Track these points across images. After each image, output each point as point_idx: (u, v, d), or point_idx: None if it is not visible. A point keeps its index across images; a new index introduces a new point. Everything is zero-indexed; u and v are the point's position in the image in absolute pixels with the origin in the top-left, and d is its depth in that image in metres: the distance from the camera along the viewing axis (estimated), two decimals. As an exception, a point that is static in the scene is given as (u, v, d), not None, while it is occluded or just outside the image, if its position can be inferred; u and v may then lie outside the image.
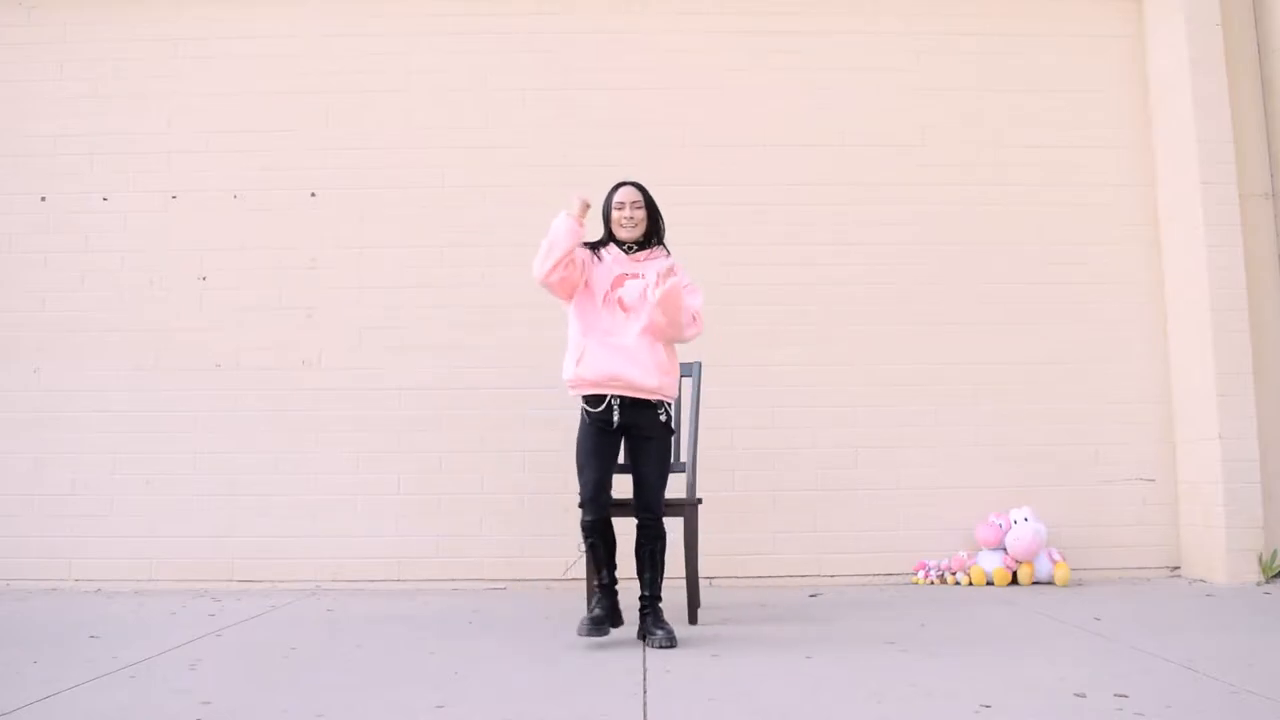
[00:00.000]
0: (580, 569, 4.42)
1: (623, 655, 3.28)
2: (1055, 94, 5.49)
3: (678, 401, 4.20)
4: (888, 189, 5.40)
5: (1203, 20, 5.18)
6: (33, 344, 5.27)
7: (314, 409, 5.23)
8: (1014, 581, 4.95)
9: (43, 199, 5.37)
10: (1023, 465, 5.23)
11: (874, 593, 4.79)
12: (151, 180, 5.39)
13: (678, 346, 3.77)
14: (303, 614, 4.25)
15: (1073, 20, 5.55)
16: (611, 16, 5.50)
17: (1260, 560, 4.86)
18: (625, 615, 3.65)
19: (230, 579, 5.09)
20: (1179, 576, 5.15)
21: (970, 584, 4.95)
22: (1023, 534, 4.90)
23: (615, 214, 3.67)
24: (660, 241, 3.74)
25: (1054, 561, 4.97)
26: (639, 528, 3.59)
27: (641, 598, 3.58)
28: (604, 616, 3.48)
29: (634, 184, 3.69)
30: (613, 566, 3.60)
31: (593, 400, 3.58)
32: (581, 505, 3.58)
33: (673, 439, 3.75)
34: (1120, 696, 2.61)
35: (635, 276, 3.63)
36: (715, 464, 5.01)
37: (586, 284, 3.64)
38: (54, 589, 5.04)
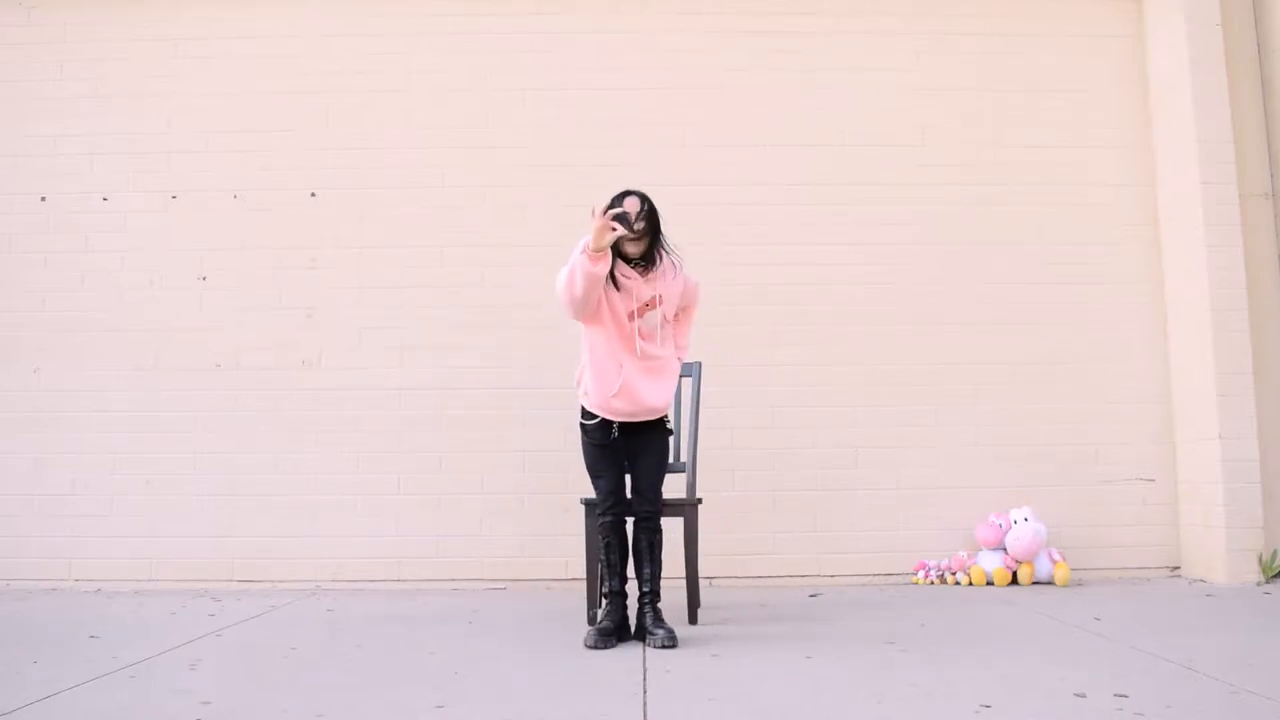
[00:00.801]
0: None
1: (623, 655, 3.28)
2: (1055, 94, 5.49)
3: (677, 398, 4.21)
4: (888, 189, 5.40)
5: (1203, 20, 5.18)
6: (33, 344, 5.27)
7: (314, 409, 5.23)
8: (1014, 581, 4.95)
9: (43, 199, 5.37)
10: (1023, 465, 5.23)
11: (874, 593, 4.79)
12: (151, 180, 5.39)
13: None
14: (303, 614, 4.25)
15: (1073, 20, 5.55)
16: (611, 16, 5.50)
17: (1260, 560, 4.86)
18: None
19: (230, 579, 5.09)
20: (1179, 576, 5.15)
21: (970, 584, 4.95)
22: (1023, 534, 4.90)
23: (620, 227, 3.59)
24: (664, 251, 3.62)
25: (1054, 561, 4.97)
26: (637, 522, 3.60)
27: (641, 595, 3.58)
28: (612, 630, 3.48)
29: (638, 194, 3.50)
30: (625, 575, 3.61)
31: (595, 429, 3.60)
32: (600, 510, 3.60)
33: (671, 438, 3.78)
34: (1120, 696, 2.61)
35: (653, 305, 3.59)
36: (715, 464, 5.01)
37: (609, 308, 3.54)
38: (54, 589, 5.04)
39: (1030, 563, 4.94)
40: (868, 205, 5.38)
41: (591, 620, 3.80)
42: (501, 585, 5.09)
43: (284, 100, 5.44)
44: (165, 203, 5.38)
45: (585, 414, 3.63)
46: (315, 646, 3.47)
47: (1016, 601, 4.39)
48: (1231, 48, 5.24)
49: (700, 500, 4.04)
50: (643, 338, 3.57)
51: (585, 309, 3.49)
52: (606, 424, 3.59)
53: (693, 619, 3.89)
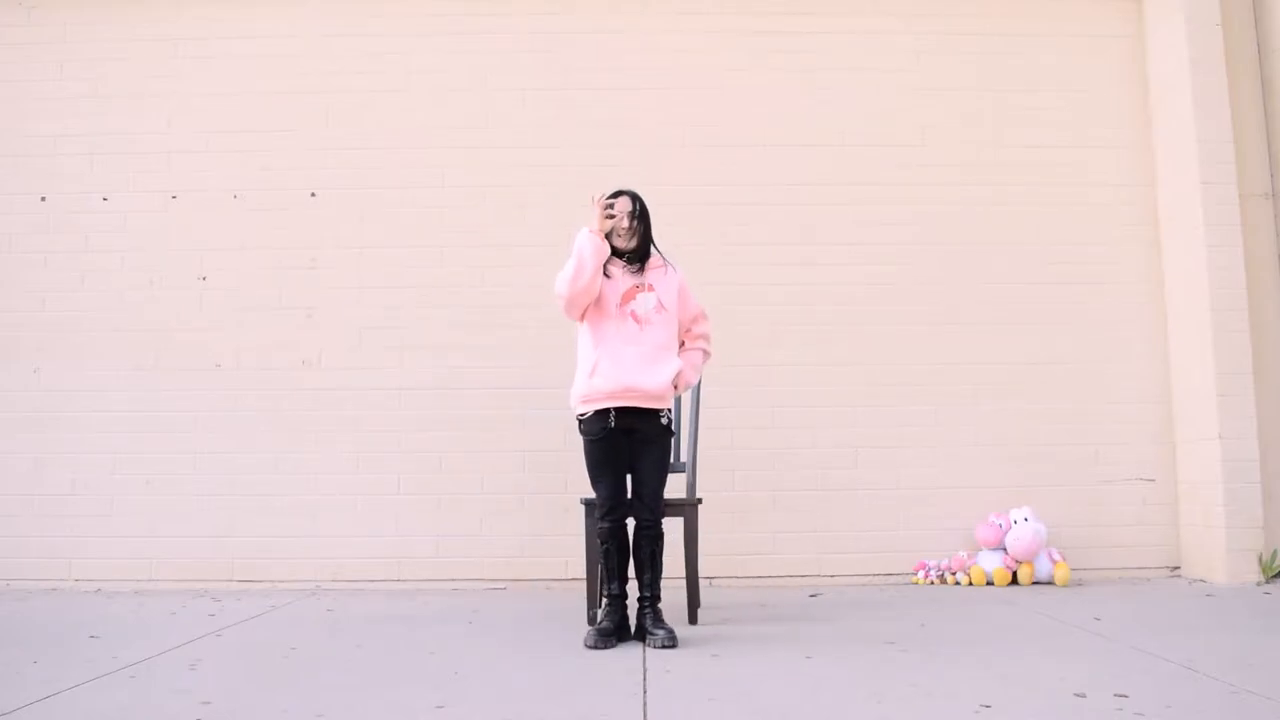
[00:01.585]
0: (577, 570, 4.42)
1: (623, 655, 3.28)
2: (1055, 94, 5.50)
3: (677, 401, 4.21)
4: (888, 189, 5.40)
5: (1203, 20, 5.19)
6: (33, 344, 5.27)
7: (314, 409, 5.23)
8: (1014, 581, 4.95)
9: (43, 199, 5.37)
10: (1023, 465, 5.23)
11: (874, 593, 4.79)
12: (151, 180, 5.39)
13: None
14: (303, 614, 4.25)
15: (1073, 20, 5.55)
16: (611, 16, 5.50)
17: (1260, 560, 4.86)
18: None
19: (230, 579, 5.10)
20: (1179, 576, 5.15)
21: (970, 584, 4.95)
22: (1023, 534, 4.90)
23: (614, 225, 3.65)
24: (654, 248, 3.72)
25: (1054, 561, 4.97)
26: (638, 529, 3.60)
27: (641, 598, 3.59)
28: (612, 630, 3.49)
29: (630, 193, 3.67)
30: (625, 577, 3.61)
31: (590, 420, 3.59)
32: (600, 515, 3.58)
33: (672, 440, 3.76)
34: (1120, 696, 2.61)
35: (646, 289, 3.64)
36: (715, 464, 5.01)
37: (601, 299, 3.63)
38: (54, 589, 5.04)
39: (1030, 563, 4.94)
40: (868, 205, 5.38)
41: (591, 620, 3.81)
42: (501, 585, 5.09)
43: (284, 100, 5.44)
44: (165, 203, 5.38)
45: (583, 420, 3.64)
46: (315, 646, 3.47)
47: (1016, 601, 4.39)
48: (1231, 48, 5.24)
49: (700, 500, 4.04)
50: (636, 320, 3.61)
51: (589, 294, 3.56)
52: (601, 415, 3.57)
53: (693, 619, 3.89)
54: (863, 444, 5.24)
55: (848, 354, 5.29)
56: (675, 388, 3.66)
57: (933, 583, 5.03)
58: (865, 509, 5.19)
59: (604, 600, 3.61)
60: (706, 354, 3.82)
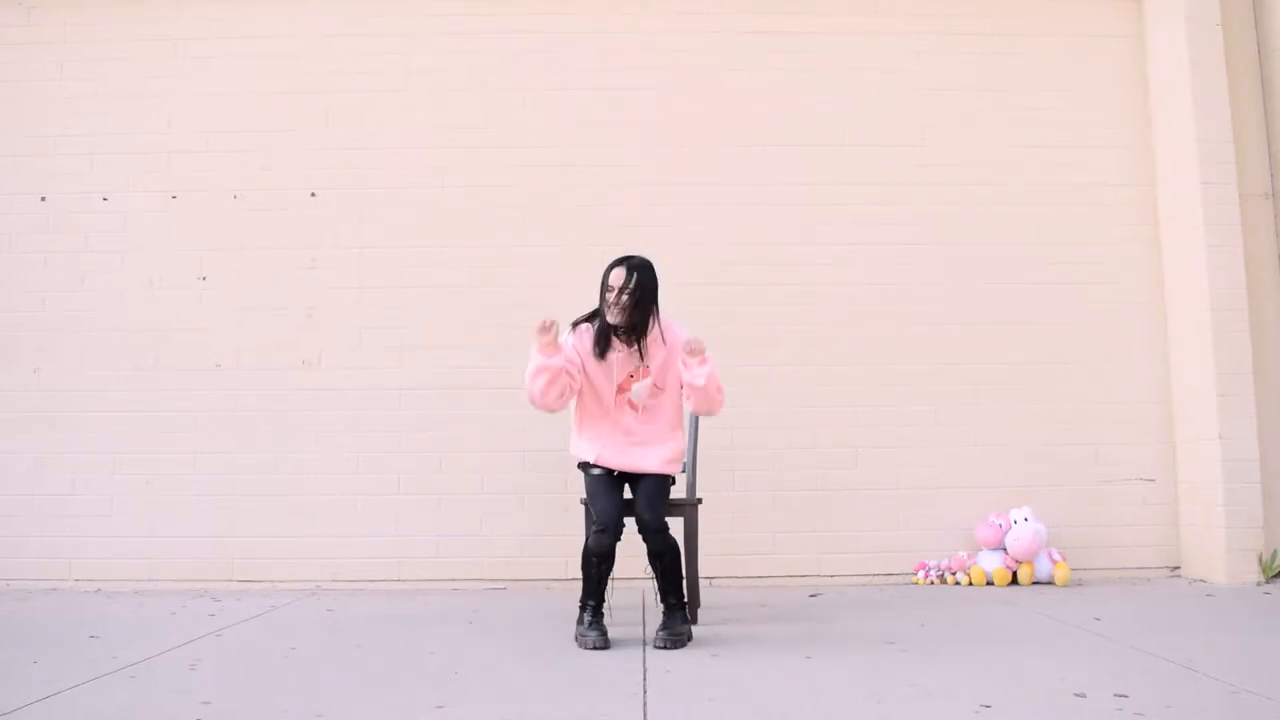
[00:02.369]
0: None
1: (623, 655, 3.28)
2: (1055, 94, 5.49)
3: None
4: (888, 189, 5.40)
5: (1203, 20, 5.18)
6: (33, 344, 5.27)
7: (314, 409, 5.23)
8: (1014, 581, 4.95)
9: (43, 199, 5.37)
10: (1023, 465, 5.23)
11: (874, 593, 4.79)
12: (151, 180, 5.39)
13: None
14: (303, 614, 4.25)
15: (1073, 20, 5.55)
16: (611, 16, 5.50)
17: (1260, 560, 4.86)
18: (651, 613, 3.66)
19: (230, 579, 5.09)
20: (1179, 576, 5.15)
21: (970, 584, 4.95)
22: (1023, 534, 4.90)
23: (606, 295, 3.55)
24: (655, 319, 3.60)
25: (1054, 561, 4.97)
26: (647, 544, 3.54)
27: (662, 597, 3.57)
28: (604, 630, 3.47)
29: (627, 265, 3.52)
30: (604, 596, 3.55)
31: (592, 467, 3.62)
32: (597, 531, 3.49)
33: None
34: (1120, 696, 2.61)
35: (642, 374, 3.60)
36: (715, 464, 5.01)
37: (589, 380, 3.59)
38: (54, 589, 5.04)
39: (1030, 563, 4.94)
40: (868, 205, 5.38)
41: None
42: (501, 585, 5.09)
43: (284, 100, 5.44)
44: (165, 203, 5.38)
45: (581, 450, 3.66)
46: (315, 646, 3.47)
47: (1016, 601, 4.39)
48: (1231, 48, 5.24)
49: (700, 500, 4.05)
50: (632, 408, 3.60)
51: (552, 403, 3.53)
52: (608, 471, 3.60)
53: (693, 619, 3.88)
54: (863, 444, 5.24)
55: (848, 354, 5.29)
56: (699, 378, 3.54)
57: (933, 583, 5.02)
58: (865, 509, 5.18)
59: (584, 610, 3.52)
60: (720, 389, 3.62)
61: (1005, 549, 4.98)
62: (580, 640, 3.45)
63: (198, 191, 5.38)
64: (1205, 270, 5.03)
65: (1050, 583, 4.93)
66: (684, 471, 4.12)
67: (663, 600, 3.58)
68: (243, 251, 5.34)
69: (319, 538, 5.13)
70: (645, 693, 2.74)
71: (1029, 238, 5.39)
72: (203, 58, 5.48)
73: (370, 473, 5.18)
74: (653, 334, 3.60)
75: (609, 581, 3.56)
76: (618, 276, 3.52)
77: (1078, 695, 2.64)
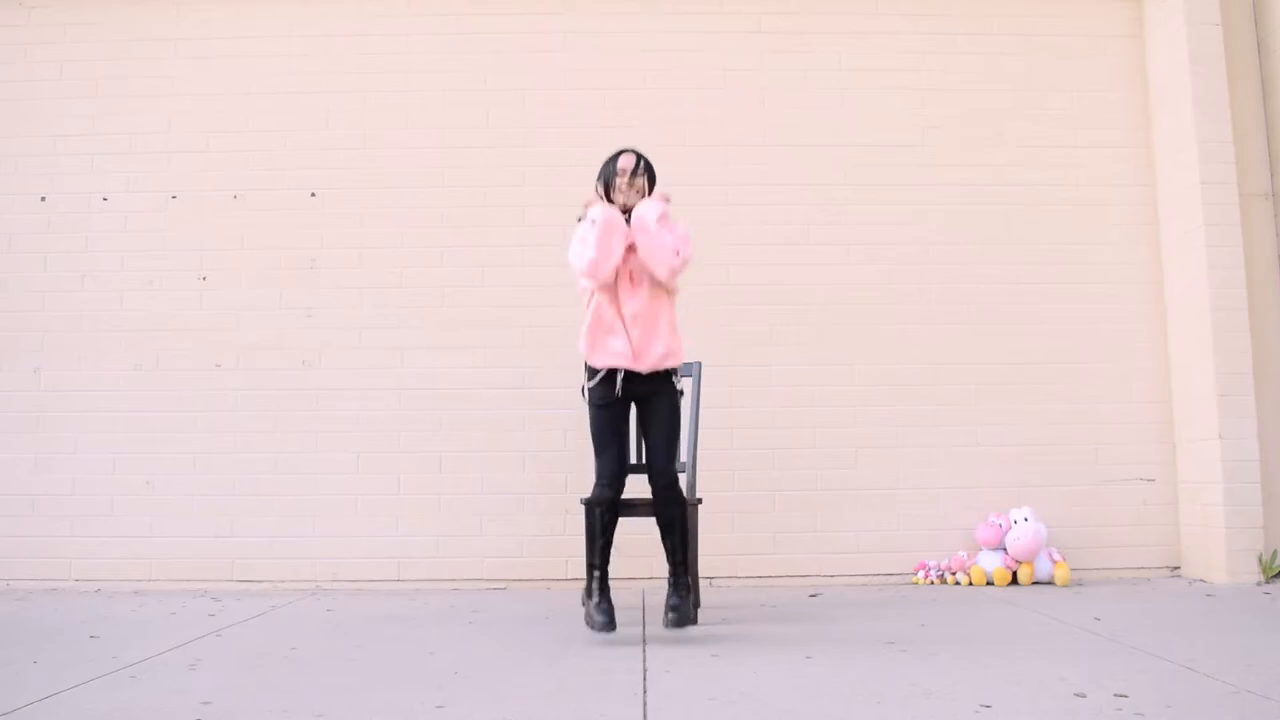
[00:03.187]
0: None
1: (623, 655, 3.27)
2: (1055, 94, 5.50)
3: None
4: (888, 189, 5.40)
5: (1203, 20, 5.18)
6: (33, 344, 5.27)
7: (314, 409, 5.23)
8: (1014, 581, 4.95)
9: (43, 199, 5.37)
10: (1023, 465, 5.23)
11: (874, 593, 4.79)
12: (151, 180, 5.39)
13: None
14: (303, 614, 4.25)
15: (1073, 20, 5.55)
16: (611, 16, 5.50)
17: (1260, 560, 4.86)
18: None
19: (230, 579, 5.09)
20: (1179, 576, 5.15)
21: (970, 584, 4.95)
22: (1023, 534, 4.90)
23: (617, 180, 3.67)
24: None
25: (1054, 561, 4.97)
26: (656, 498, 3.54)
27: (670, 568, 3.54)
28: (612, 609, 3.44)
29: (633, 151, 3.71)
30: (608, 561, 3.53)
31: (596, 389, 3.57)
32: (600, 484, 3.51)
33: (680, 398, 3.70)
34: (1120, 696, 2.61)
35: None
36: (715, 464, 5.01)
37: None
38: (54, 589, 5.04)
39: (1030, 563, 4.94)
40: (868, 205, 5.38)
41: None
42: (501, 585, 5.09)
43: (284, 100, 5.44)
44: (165, 203, 5.38)
45: (589, 373, 3.61)
46: (315, 646, 3.47)
47: (1016, 601, 4.39)
48: (1231, 48, 5.24)
49: (700, 500, 4.04)
50: (631, 281, 3.58)
51: (614, 260, 3.52)
52: (609, 380, 3.55)
53: (693, 619, 3.88)
54: (863, 444, 5.24)
55: (848, 354, 5.29)
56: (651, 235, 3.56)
57: (933, 583, 5.02)
58: (865, 509, 5.18)
59: (591, 576, 3.50)
60: (676, 251, 3.59)
61: (1005, 549, 4.98)
62: (588, 620, 3.45)
63: (198, 191, 5.39)
64: (1205, 270, 5.03)
65: (1050, 583, 4.93)
66: (684, 464, 4.12)
67: (676, 568, 3.52)
68: (243, 251, 5.34)
69: (319, 538, 5.13)
70: (645, 693, 2.74)
71: (1029, 238, 5.39)
72: (203, 58, 5.48)
73: (370, 473, 5.18)
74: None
75: (613, 538, 3.54)
76: (628, 160, 3.67)
77: (1078, 695, 2.64)
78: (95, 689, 2.82)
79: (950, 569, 5.03)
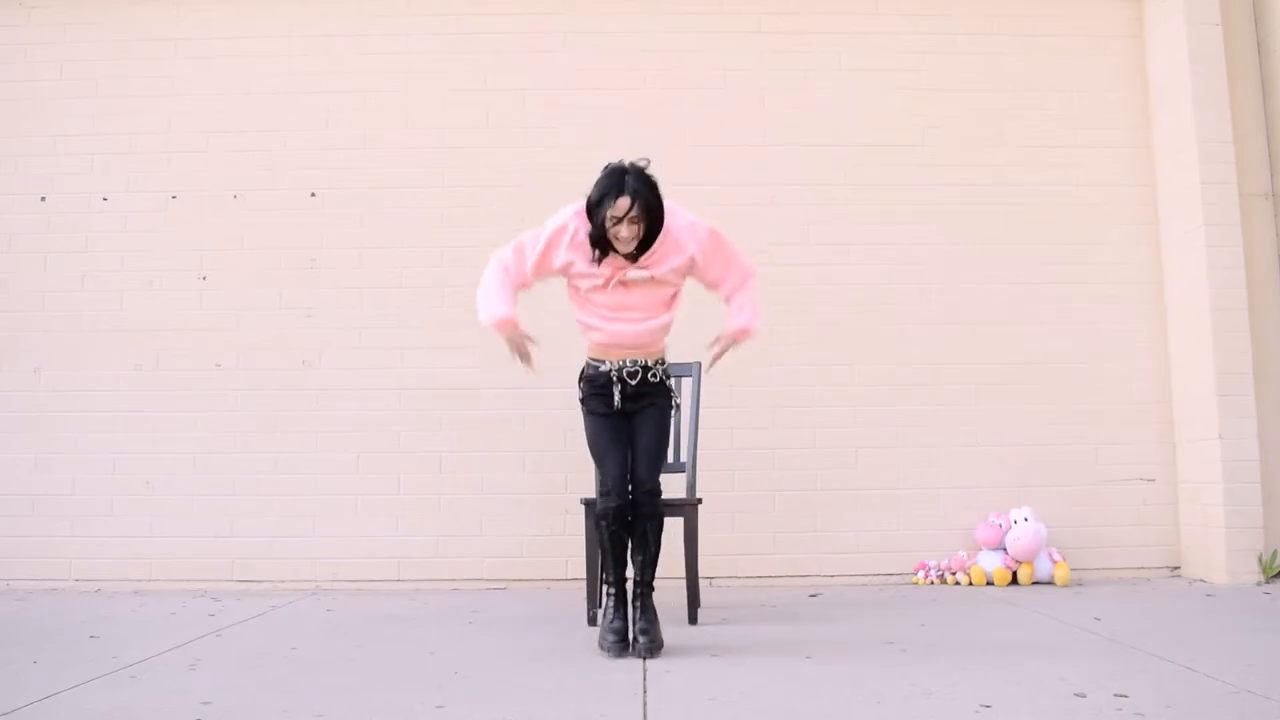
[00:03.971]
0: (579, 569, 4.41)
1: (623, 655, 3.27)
2: (1055, 94, 5.49)
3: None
4: (888, 189, 5.40)
5: (1203, 20, 5.18)
6: (33, 344, 5.27)
7: (314, 409, 5.23)
8: (1014, 581, 4.95)
9: (43, 199, 5.37)
10: (1023, 465, 5.23)
11: (874, 593, 4.79)
12: (151, 180, 5.39)
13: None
14: (303, 614, 4.25)
15: (1073, 20, 5.55)
16: (611, 17, 5.50)
17: (1260, 560, 4.86)
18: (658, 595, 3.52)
19: (230, 579, 5.09)
20: (1179, 576, 5.15)
21: (970, 584, 4.95)
22: (1023, 534, 4.90)
23: (611, 227, 3.29)
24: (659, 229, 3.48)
25: (1054, 561, 4.97)
26: (634, 505, 3.38)
27: (635, 584, 3.38)
28: (626, 628, 3.32)
29: (630, 193, 3.30)
30: (625, 565, 3.42)
31: (595, 393, 3.47)
32: (604, 493, 3.39)
33: (673, 406, 3.58)
34: (1120, 696, 2.61)
35: (641, 267, 3.43)
36: (715, 464, 5.01)
37: (575, 285, 3.47)
38: (54, 589, 5.04)
39: (1030, 563, 4.94)
40: (868, 205, 5.38)
41: (592, 620, 3.80)
42: (501, 585, 5.09)
43: (284, 100, 5.44)
44: (165, 203, 5.38)
45: (585, 376, 3.50)
46: (315, 646, 3.47)
47: (1016, 601, 4.39)
48: (1231, 48, 5.24)
49: (700, 500, 4.04)
50: (624, 287, 3.40)
51: (491, 314, 3.46)
52: (608, 387, 3.43)
53: (693, 619, 3.88)
54: (863, 444, 5.24)
55: (847, 354, 5.29)
56: (739, 336, 3.64)
57: (933, 583, 5.03)
58: (865, 509, 5.18)
59: (607, 594, 3.40)
60: (753, 272, 3.68)
61: (1005, 549, 4.98)
62: (600, 641, 3.31)
63: (198, 191, 5.39)
64: (1205, 270, 5.03)
65: (1050, 583, 4.93)
66: (684, 464, 4.12)
67: (642, 588, 3.36)
68: (243, 251, 5.34)
69: (319, 538, 5.13)
70: (645, 693, 2.74)
71: (1029, 238, 5.39)
72: (203, 58, 5.48)
73: (370, 473, 5.18)
74: (663, 245, 3.49)
75: (627, 550, 3.40)
76: (624, 206, 3.26)
77: (1078, 695, 2.64)
78: (95, 689, 2.82)
79: (950, 569, 5.03)
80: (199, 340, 5.27)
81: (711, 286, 3.69)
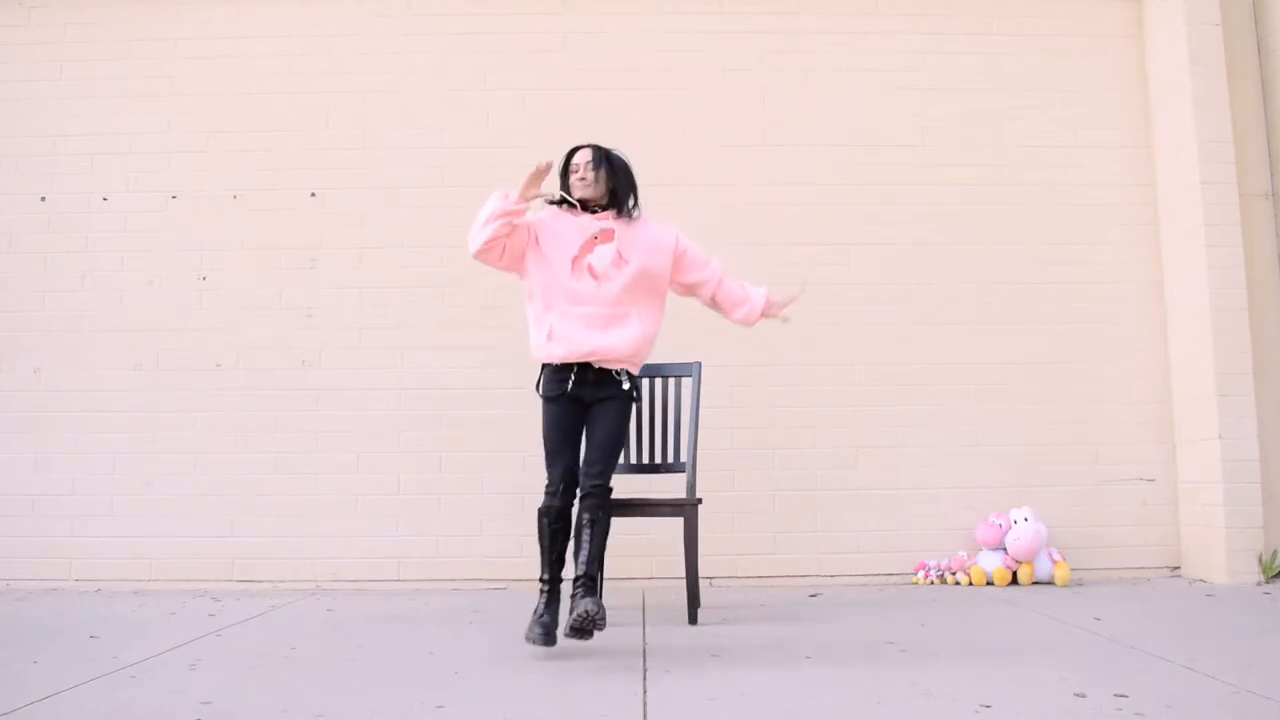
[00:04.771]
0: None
1: (623, 655, 3.28)
2: (1055, 94, 5.50)
3: (677, 398, 4.21)
4: (888, 189, 5.40)
5: (1203, 20, 5.18)
6: (33, 344, 5.27)
7: (314, 409, 5.23)
8: (1014, 581, 4.95)
9: (43, 199, 5.37)
10: (1023, 465, 5.23)
11: (874, 593, 4.79)
12: (151, 180, 5.39)
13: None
14: (303, 614, 4.25)
15: (1073, 20, 5.55)
16: (611, 17, 5.50)
17: (1260, 560, 4.86)
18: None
19: (230, 579, 5.09)
20: (1179, 576, 5.15)
21: (970, 584, 4.95)
22: (1023, 534, 4.90)
23: (572, 176, 3.54)
24: (635, 206, 3.58)
25: (1054, 561, 4.97)
26: (581, 497, 3.32)
27: (575, 579, 3.27)
28: (554, 623, 3.27)
29: (591, 146, 3.57)
30: (562, 564, 3.37)
31: (549, 383, 3.45)
32: (548, 490, 3.37)
33: (632, 407, 3.54)
34: (1120, 696, 2.61)
35: (604, 239, 3.45)
36: (715, 464, 5.01)
37: (543, 255, 3.46)
38: (54, 589, 5.04)
39: (1030, 563, 4.94)
40: (868, 205, 5.38)
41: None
42: (501, 585, 5.09)
43: (284, 100, 5.44)
44: (165, 203, 5.38)
45: (543, 378, 3.49)
46: (315, 646, 3.48)
47: (1016, 601, 4.39)
48: (1231, 48, 5.24)
49: (700, 500, 4.04)
50: (593, 275, 3.40)
51: (486, 251, 3.43)
52: (561, 375, 3.41)
53: (693, 619, 3.89)
54: (863, 444, 5.24)
55: (848, 354, 5.29)
56: (763, 313, 3.68)
57: (933, 583, 5.03)
58: (865, 509, 5.18)
59: (541, 590, 3.34)
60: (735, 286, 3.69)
61: (1005, 549, 4.98)
62: (527, 632, 3.25)
63: (198, 191, 5.39)
64: (1205, 270, 5.03)
65: (1050, 583, 4.93)
66: (684, 464, 4.12)
67: (584, 580, 3.24)
68: (243, 251, 5.34)
69: (319, 538, 5.13)
70: (645, 693, 2.74)
71: (1029, 238, 5.39)
72: (203, 58, 5.48)
73: (370, 473, 5.18)
74: (630, 215, 3.54)
75: (565, 549, 3.32)
76: (583, 154, 3.52)
77: (1078, 695, 2.64)
78: (95, 689, 2.82)
79: (950, 569, 5.03)
80: (199, 340, 5.27)
81: (691, 288, 3.68)
